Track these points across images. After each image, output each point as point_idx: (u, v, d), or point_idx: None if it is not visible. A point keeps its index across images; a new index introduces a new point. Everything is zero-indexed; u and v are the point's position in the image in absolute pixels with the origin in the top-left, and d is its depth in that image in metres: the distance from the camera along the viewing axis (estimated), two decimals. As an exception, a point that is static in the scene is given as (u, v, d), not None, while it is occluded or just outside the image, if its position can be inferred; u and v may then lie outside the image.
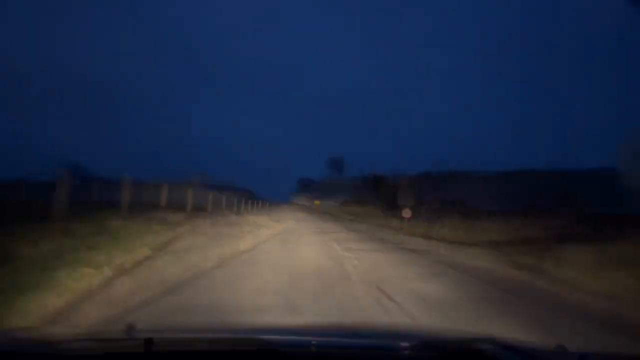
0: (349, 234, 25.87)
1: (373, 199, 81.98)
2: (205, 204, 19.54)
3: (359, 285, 8.24)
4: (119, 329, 2.27)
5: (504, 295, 8.33)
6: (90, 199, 16.85)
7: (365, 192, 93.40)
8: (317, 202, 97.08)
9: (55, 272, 7.11)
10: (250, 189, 46.95)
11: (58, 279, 6.81)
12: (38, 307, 5.66)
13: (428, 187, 28.59)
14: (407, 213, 24.21)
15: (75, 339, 2.44)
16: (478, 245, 13.73)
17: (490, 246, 13.22)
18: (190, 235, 13.89)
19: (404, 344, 1.89)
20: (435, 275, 9.93)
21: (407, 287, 8.27)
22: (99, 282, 7.39)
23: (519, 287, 9.07)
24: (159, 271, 8.77)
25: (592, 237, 12.29)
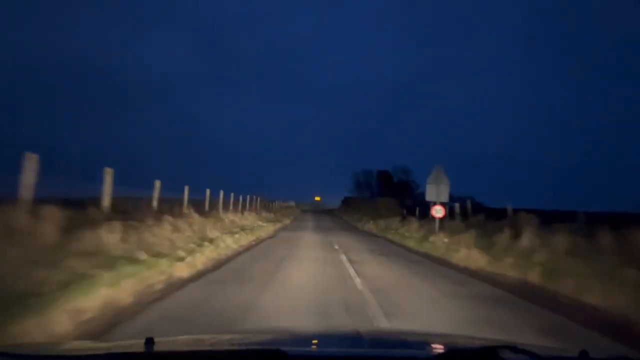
0: (368, 244, 18.80)
1: (377, 195, 75.28)
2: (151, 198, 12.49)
3: None
4: None
5: None
6: None
7: (368, 188, 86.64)
8: (317, 198, 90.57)
9: None
10: (259, 190, 40.85)
11: None
12: None
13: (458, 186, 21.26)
14: (439, 212, 17.30)
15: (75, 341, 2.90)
16: None
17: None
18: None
19: (427, 354, 1.78)
20: None
21: None
22: None
23: None
24: None
25: None
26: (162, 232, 9.88)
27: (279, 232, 22.43)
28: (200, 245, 10.36)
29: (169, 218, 11.18)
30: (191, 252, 9.38)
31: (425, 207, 37.50)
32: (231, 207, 21.95)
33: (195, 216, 13.43)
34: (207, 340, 2.26)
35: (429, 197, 17.83)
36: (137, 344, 1.65)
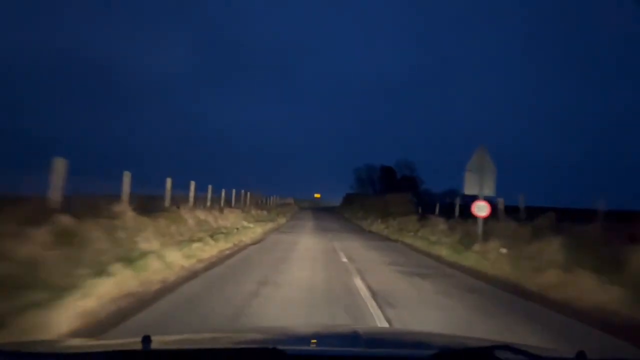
0: (386, 254, 13.72)
1: (380, 191, 70.23)
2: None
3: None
4: None
5: None
6: None
7: (370, 184, 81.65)
8: (317, 195, 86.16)
9: None
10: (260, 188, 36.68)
11: None
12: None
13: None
14: (482, 209, 12.47)
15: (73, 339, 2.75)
16: None
17: None
18: None
19: (423, 354, 1.60)
20: None
21: None
22: None
23: None
24: None
25: None
26: (22, 250, 5.10)
27: (270, 234, 17.66)
28: (99, 273, 5.55)
29: (64, 220, 6.43)
30: (62, 291, 4.59)
31: (442, 204, 32.73)
32: (208, 204, 17.18)
33: (131, 216, 8.65)
34: (205, 338, 2.21)
35: (468, 189, 13.04)
36: (134, 342, 1.59)
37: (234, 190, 22.32)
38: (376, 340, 2.26)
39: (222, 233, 13.17)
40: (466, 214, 18.15)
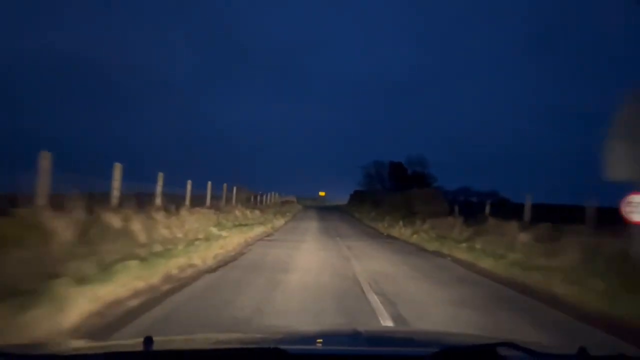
0: (459, 298, 7.12)
1: (389, 189, 64.07)
2: None
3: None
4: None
5: None
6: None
7: (380, 181, 75.39)
8: (322, 193, 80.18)
9: None
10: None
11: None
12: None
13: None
14: None
15: (74, 341, 2.65)
16: None
17: None
18: None
19: (425, 352, 1.54)
20: None
21: None
22: None
23: None
24: None
25: None
26: None
27: (251, 247, 11.50)
28: None
29: None
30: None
31: (457, 203, 26.22)
32: (157, 201, 11.02)
33: None
34: (207, 339, 2.16)
35: (615, 170, 6.80)
36: (136, 344, 1.57)
37: (209, 184, 16.12)
38: (378, 339, 2.22)
39: (151, 254, 7.02)
40: (540, 217, 12.07)
